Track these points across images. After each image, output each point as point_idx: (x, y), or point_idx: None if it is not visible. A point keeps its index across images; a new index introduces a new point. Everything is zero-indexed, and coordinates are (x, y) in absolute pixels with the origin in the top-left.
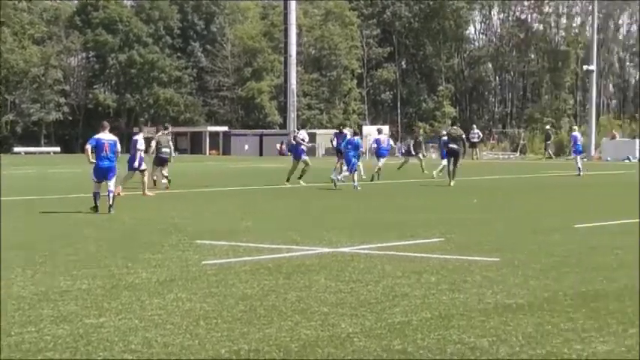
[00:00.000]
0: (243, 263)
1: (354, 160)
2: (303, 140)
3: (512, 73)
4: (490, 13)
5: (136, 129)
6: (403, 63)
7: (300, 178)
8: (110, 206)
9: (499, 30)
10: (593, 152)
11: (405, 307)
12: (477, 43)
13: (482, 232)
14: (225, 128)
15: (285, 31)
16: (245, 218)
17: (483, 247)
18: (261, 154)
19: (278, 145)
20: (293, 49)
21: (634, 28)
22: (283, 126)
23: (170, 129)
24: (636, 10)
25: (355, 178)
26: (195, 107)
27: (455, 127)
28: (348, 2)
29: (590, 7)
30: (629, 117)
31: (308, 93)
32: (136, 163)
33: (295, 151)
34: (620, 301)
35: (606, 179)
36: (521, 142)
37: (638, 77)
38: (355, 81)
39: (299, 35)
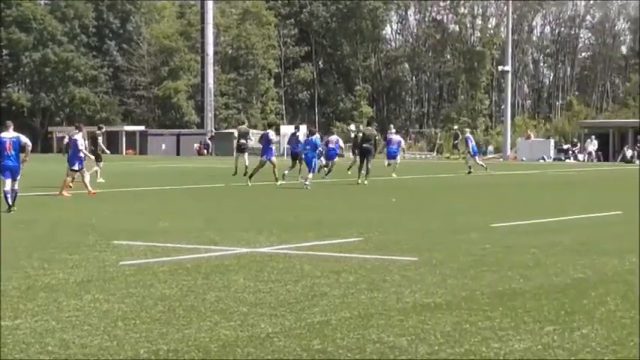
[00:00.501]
0: (161, 264)
1: (314, 160)
2: (271, 141)
3: (428, 74)
4: (406, 13)
5: (74, 129)
6: (320, 63)
7: (283, 176)
8: (10, 206)
9: (415, 30)
10: (508, 152)
11: (324, 306)
12: (393, 44)
13: (401, 231)
14: (141, 128)
15: (202, 31)
16: (163, 218)
17: (402, 246)
18: (178, 153)
19: (196, 145)
20: (210, 49)
21: (547, 29)
22: (201, 125)
23: (104, 129)
24: (549, 11)
25: (310, 177)
26: (111, 106)
27: (369, 127)
28: (265, 2)
29: (505, 9)
30: (544, 117)
31: (225, 92)
32: (77, 165)
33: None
34: (537, 300)
35: (521, 179)
36: (438, 142)
37: (552, 78)
38: (273, 80)
39: (216, 34)
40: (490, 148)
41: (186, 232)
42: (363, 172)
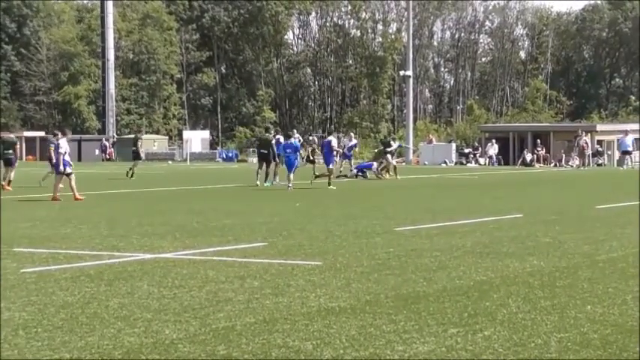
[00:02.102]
0: (63, 271)
1: (296, 162)
2: (333, 147)
3: (331, 78)
4: (308, 18)
5: (57, 132)
6: (223, 68)
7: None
8: None
9: (317, 35)
10: (411, 156)
11: (228, 312)
12: (295, 48)
13: (305, 235)
14: (41, 133)
15: (103, 35)
16: (65, 225)
17: (306, 251)
18: (79, 159)
19: (97, 151)
20: (111, 54)
21: (447, 34)
22: (102, 131)
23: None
24: (449, 17)
25: (292, 177)
26: (10, 112)
27: (267, 134)
28: (166, 7)
29: (406, 14)
30: (445, 121)
31: (127, 98)
32: (62, 167)
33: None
34: (440, 302)
35: (424, 182)
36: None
37: (452, 82)
38: (175, 86)
39: (117, 39)
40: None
41: (90, 239)
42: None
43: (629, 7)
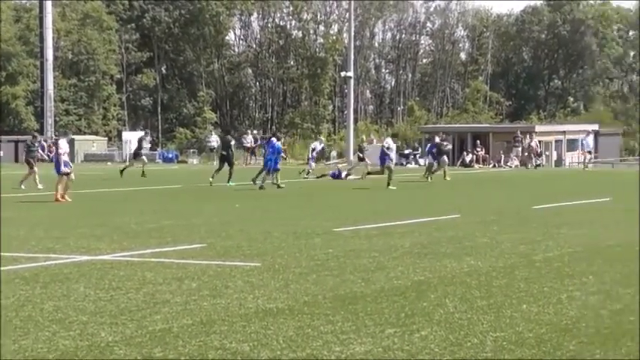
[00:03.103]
0: None
1: (276, 163)
2: (388, 148)
3: (272, 79)
4: (249, 19)
5: (56, 133)
6: (163, 68)
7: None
8: None
9: (259, 36)
10: (351, 157)
11: (166, 314)
12: (236, 49)
13: (244, 237)
14: None
15: (41, 35)
16: None
17: (244, 252)
18: (16, 160)
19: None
20: (50, 54)
21: (389, 35)
22: (40, 132)
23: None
24: (390, 18)
25: (278, 177)
26: None
27: (228, 136)
28: (106, 6)
29: (347, 15)
30: (386, 122)
31: (66, 98)
32: (62, 167)
33: (382, 158)
34: (378, 303)
35: (364, 184)
36: (282, 147)
37: (393, 83)
38: (114, 86)
39: (56, 39)
40: (334, 153)
41: (25, 241)
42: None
43: (567, 9)
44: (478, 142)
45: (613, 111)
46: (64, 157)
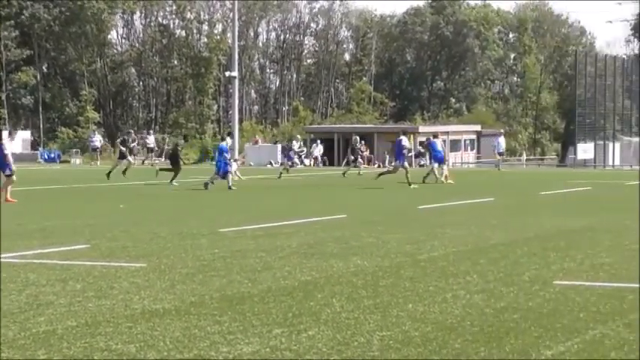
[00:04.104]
0: None
1: (225, 165)
2: (404, 147)
3: (156, 79)
4: (132, 17)
5: (4, 133)
6: (44, 67)
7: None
8: None
9: (142, 35)
10: (237, 157)
11: (49, 315)
12: (119, 48)
13: (130, 237)
14: None
15: None
16: None
17: (130, 252)
18: None
19: None
20: None
21: (273, 35)
22: None
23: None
24: (274, 18)
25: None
26: None
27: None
28: None
29: (231, 15)
30: (271, 122)
31: None
32: (7, 170)
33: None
34: (265, 303)
35: (250, 184)
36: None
37: (278, 84)
38: None
39: None
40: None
41: None
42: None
43: (450, 11)
44: (363, 142)
45: (495, 112)
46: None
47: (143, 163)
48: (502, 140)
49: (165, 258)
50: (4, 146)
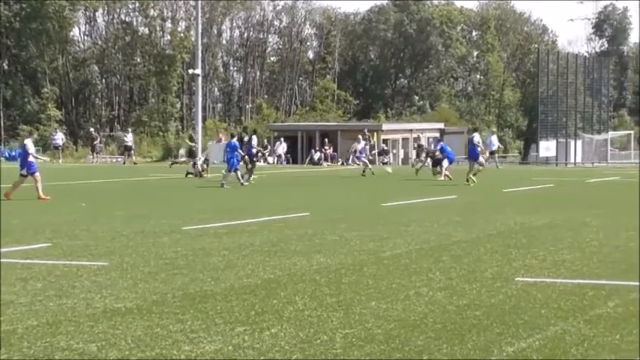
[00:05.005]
0: None
1: (237, 162)
2: (477, 143)
3: (118, 76)
4: (95, 14)
5: (25, 133)
6: (5, 64)
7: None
8: None
9: (104, 32)
10: (200, 154)
11: (10, 315)
12: (82, 45)
13: (91, 236)
14: None
15: None
16: None
17: (92, 251)
18: None
19: None
20: None
21: (237, 33)
22: None
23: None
24: (238, 15)
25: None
26: None
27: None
28: None
29: (194, 12)
30: (235, 120)
31: None
32: (25, 170)
33: (472, 153)
34: (227, 301)
35: (213, 182)
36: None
37: (242, 81)
38: None
39: None
40: (182, 151)
41: None
42: None
43: (414, 9)
44: (326, 140)
45: (458, 110)
46: (30, 158)
47: (124, 163)
48: (495, 139)
49: (127, 256)
50: (28, 146)
